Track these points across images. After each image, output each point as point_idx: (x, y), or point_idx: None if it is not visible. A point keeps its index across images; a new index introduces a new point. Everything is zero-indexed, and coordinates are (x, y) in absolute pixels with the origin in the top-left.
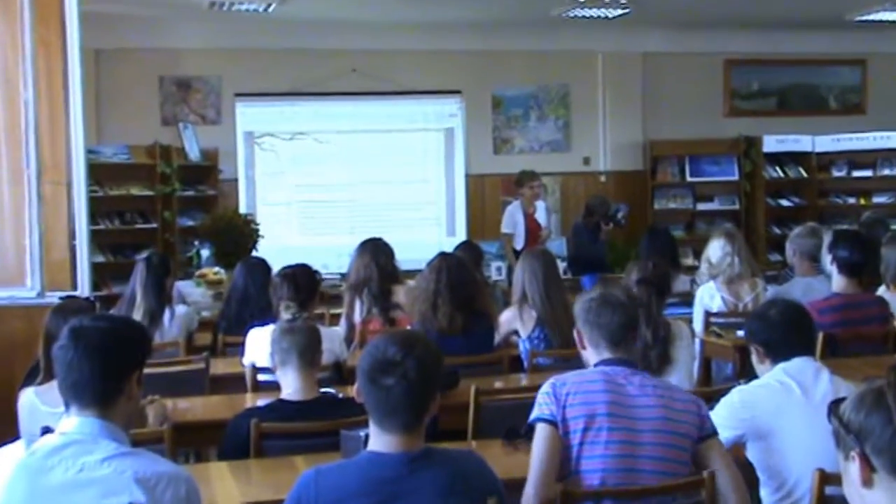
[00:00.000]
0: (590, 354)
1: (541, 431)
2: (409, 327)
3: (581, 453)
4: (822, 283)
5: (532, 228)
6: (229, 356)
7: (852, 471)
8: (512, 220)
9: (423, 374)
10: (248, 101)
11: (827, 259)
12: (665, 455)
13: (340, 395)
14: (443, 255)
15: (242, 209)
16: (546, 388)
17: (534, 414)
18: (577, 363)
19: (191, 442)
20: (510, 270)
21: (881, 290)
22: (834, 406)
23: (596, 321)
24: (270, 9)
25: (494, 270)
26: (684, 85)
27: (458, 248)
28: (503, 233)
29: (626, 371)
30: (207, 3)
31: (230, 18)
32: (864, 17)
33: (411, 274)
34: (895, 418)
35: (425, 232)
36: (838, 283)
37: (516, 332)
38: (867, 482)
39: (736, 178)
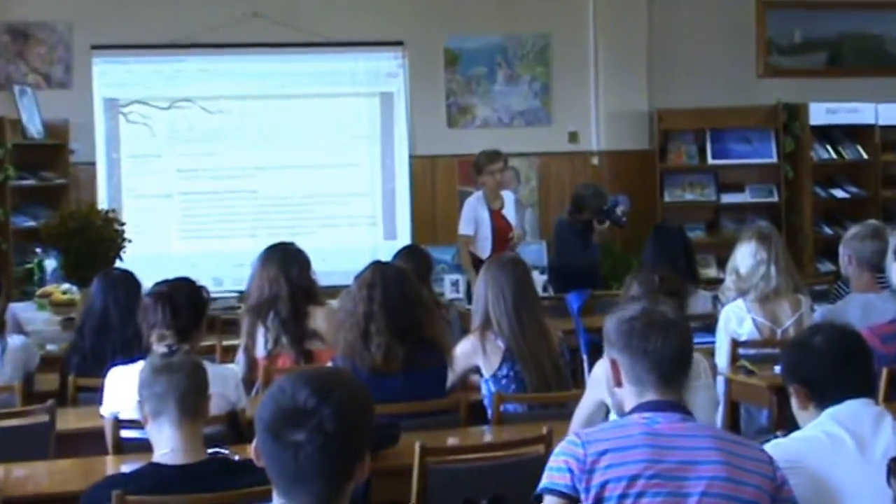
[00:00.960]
0: (626, 394)
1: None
2: (329, 364)
3: None
4: (886, 301)
5: (499, 228)
6: (83, 405)
7: None
8: (471, 217)
9: (345, 427)
10: (109, 55)
11: (893, 269)
12: None
13: (236, 457)
14: (377, 265)
15: (102, 204)
16: (566, 445)
17: (543, 481)
18: (558, 411)
19: None
20: (470, 286)
21: None
22: (894, 464)
23: (641, 349)
24: None
25: (449, 286)
26: (704, 35)
27: (398, 255)
28: (460, 235)
29: (677, 418)
30: None
31: None
32: None
33: (335, 291)
34: None
35: (355, 235)
36: None
37: (477, 370)
38: None
39: (773, 159)
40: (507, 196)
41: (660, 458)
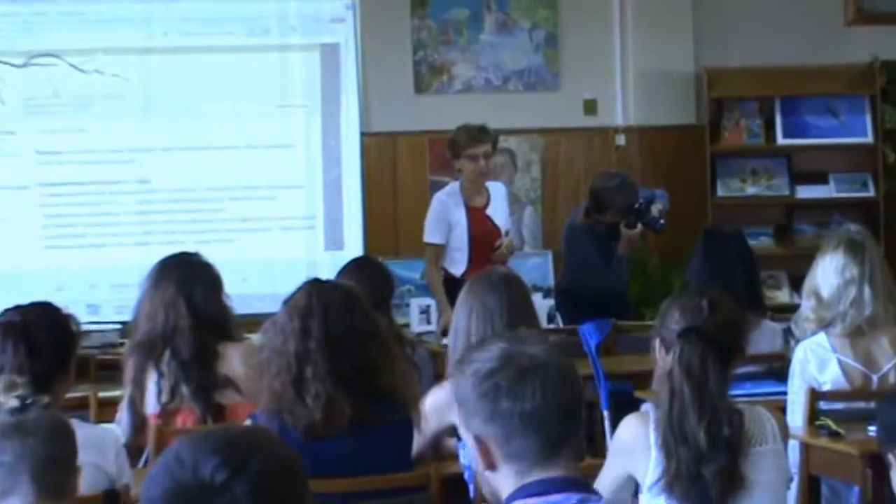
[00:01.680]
0: (502, 479)
1: None
2: (247, 422)
3: None
4: None
5: (481, 234)
6: None
7: None
8: (442, 219)
9: None
10: None
11: None
12: None
13: None
14: (315, 285)
15: None
16: None
17: None
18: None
19: None
20: (444, 334)
21: None
22: None
23: (514, 412)
24: None
25: (416, 314)
26: None
27: (345, 271)
28: (427, 243)
29: (575, 500)
30: None
31: None
32: None
33: (257, 322)
34: None
35: (285, 243)
36: None
37: (455, 430)
38: None
39: (868, 138)
40: (495, 189)
41: None
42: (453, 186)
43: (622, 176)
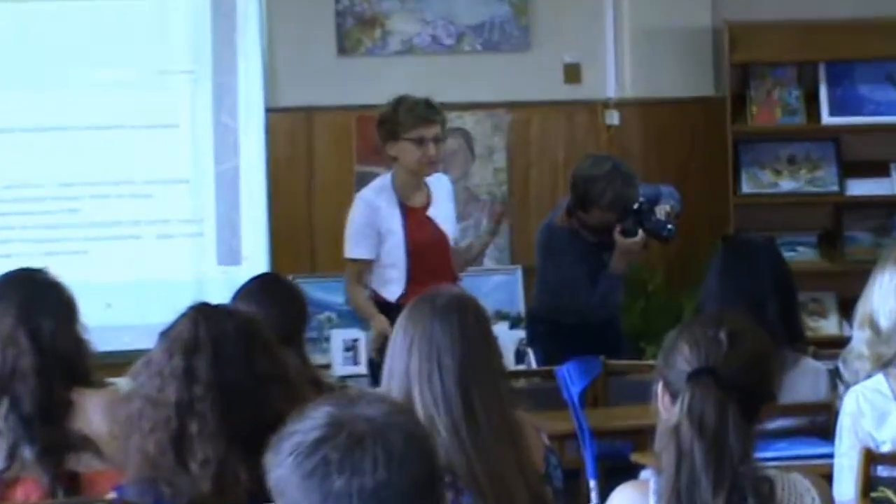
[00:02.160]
0: None
1: None
2: (111, 496)
3: None
4: None
5: (421, 243)
6: None
7: None
8: (369, 224)
9: None
10: None
11: None
12: None
13: None
14: (202, 312)
15: None
16: None
17: None
18: None
19: None
20: (381, 353)
21: None
22: None
23: (345, 490)
24: None
25: (340, 351)
26: None
27: (243, 294)
28: (349, 259)
29: None
30: None
31: None
32: None
33: (126, 361)
34: None
35: (165, 257)
36: None
37: None
38: None
39: None
40: (437, 183)
41: None
42: (383, 181)
43: (614, 160)
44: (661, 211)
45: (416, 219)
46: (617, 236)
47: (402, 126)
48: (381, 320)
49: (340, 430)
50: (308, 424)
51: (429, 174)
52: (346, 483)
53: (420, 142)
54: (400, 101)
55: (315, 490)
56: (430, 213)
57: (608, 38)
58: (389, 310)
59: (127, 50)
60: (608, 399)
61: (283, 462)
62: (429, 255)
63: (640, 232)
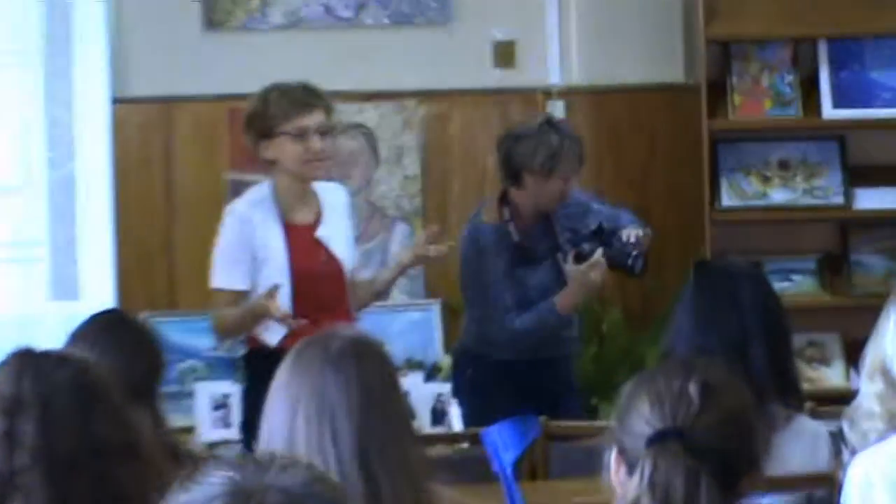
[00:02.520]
0: None
1: None
2: None
3: None
4: None
5: (308, 271)
6: None
7: None
8: (243, 246)
9: None
10: None
11: None
12: None
13: None
14: (28, 360)
15: None
16: None
17: None
18: None
19: None
20: (251, 408)
21: None
22: None
23: None
24: None
25: (207, 411)
26: None
27: (80, 336)
28: (215, 289)
29: None
30: None
31: None
32: None
33: None
34: None
35: None
36: None
37: None
38: None
39: None
40: (329, 195)
41: None
42: (261, 192)
43: (550, 116)
44: (628, 234)
45: (302, 240)
46: (569, 264)
47: (276, 118)
48: (266, 302)
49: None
50: (201, 495)
51: (318, 177)
52: None
53: (301, 135)
54: (269, 90)
55: None
56: (321, 233)
57: (551, 9)
58: (267, 357)
59: None
60: (549, 470)
61: None
62: (318, 286)
63: (600, 254)
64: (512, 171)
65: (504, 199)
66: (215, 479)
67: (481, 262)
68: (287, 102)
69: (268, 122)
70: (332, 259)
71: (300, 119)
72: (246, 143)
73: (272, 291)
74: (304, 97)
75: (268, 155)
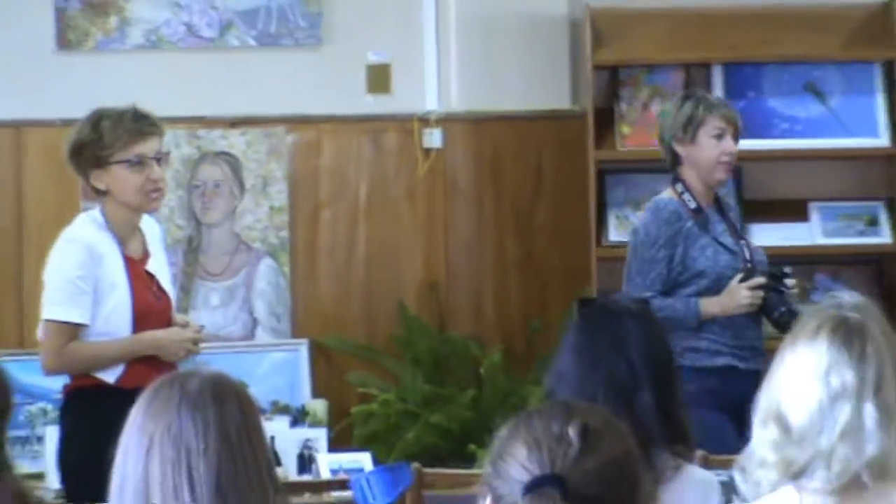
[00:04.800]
0: None
1: None
2: None
3: None
4: None
5: (148, 307)
6: None
7: None
8: (83, 278)
9: None
10: None
11: None
12: None
13: None
14: None
15: None
16: None
17: None
18: None
19: None
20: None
21: None
22: None
23: None
24: None
25: (53, 456)
26: None
27: None
28: (53, 321)
29: None
30: None
31: None
32: None
33: None
34: None
35: None
36: None
37: None
38: None
39: (882, 140)
40: (149, 229)
41: None
42: (94, 219)
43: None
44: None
45: (138, 274)
46: (736, 283)
47: (111, 147)
48: (155, 336)
49: None
50: None
51: (156, 207)
52: None
53: (140, 163)
54: (98, 117)
55: None
56: (149, 267)
57: (428, 31)
58: (106, 397)
59: None
60: None
61: None
62: (154, 323)
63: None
64: (685, 126)
65: (676, 177)
66: None
67: (656, 231)
68: (122, 130)
69: (101, 151)
70: (163, 294)
71: (138, 146)
72: (72, 171)
73: (195, 333)
74: (140, 124)
75: (100, 185)
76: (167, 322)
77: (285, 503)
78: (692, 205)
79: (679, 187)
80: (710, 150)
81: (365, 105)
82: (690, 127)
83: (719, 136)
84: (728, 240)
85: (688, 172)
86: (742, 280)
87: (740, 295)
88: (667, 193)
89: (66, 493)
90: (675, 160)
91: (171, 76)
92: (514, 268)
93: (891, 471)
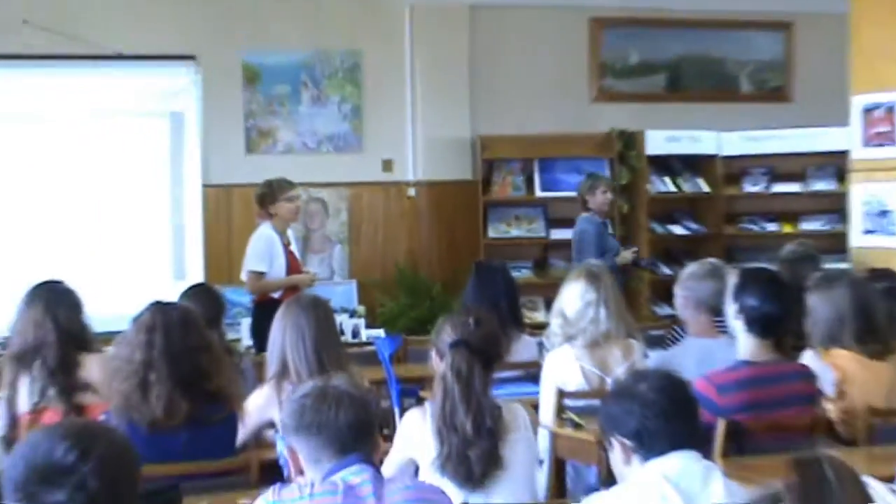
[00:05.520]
0: (309, 476)
1: None
2: (102, 419)
3: None
4: (724, 347)
5: (293, 271)
6: None
7: None
8: (266, 249)
9: (110, 484)
10: None
11: (731, 311)
12: None
13: None
14: (158, 306)
15: None
16: None
17: None
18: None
19: None
20: (263, 330)
21: (807, 356)
22: None
23: (315, 424)
24: None
25: (247, 332)
26: (533, 54)
27: (184, 295)
28: (251, 271)
29: (367, 471)
30: None
31: None
32: None
33: (113, 337)
34: None
35: (140, 274)
36: (747, 345)
37: (272, 424)
38: None
39: None
40: (291, 231)
41: None
42: (269, 228)
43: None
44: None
45: (288, 251)
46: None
47: (277, 193)
48: (307, 279)
49: (316, 391)
50: (302, 389)
51: (295, 221)
52: (312, 419)
53: (289, 201)
54: (270, 181)
55: (296, 423)
56: (292, 248)
57: (409, 145)
58: (273, 304)
59: (114, 147)
60: (408, 359)
61: (285, 409)
62: (294, 272)
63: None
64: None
65: (586, 210)
66: (309, 386)
67: (594, 229)
68: (281, 186)
69: (273, 195)
70: (296, 260)
71: (287, 194)
72: (257, 206)
73: (312, 277)
74: (287, 184)
75: (272, 211)
76: (299, 271)
77: (346, 354)
78: (598, 219)
79: (591, 213)
80: (600, 197)
81: (381, 177)
82: (589, 187)
83: (604, 192)
84: (611, 236)
85: (592, 207)
86: (625, 250)
87: (626, 256)
88: (586, 215)
89: (254, 347)
90: (584, 203)
91: (296, 165)
92: (447, 249)
93: (612, 337)
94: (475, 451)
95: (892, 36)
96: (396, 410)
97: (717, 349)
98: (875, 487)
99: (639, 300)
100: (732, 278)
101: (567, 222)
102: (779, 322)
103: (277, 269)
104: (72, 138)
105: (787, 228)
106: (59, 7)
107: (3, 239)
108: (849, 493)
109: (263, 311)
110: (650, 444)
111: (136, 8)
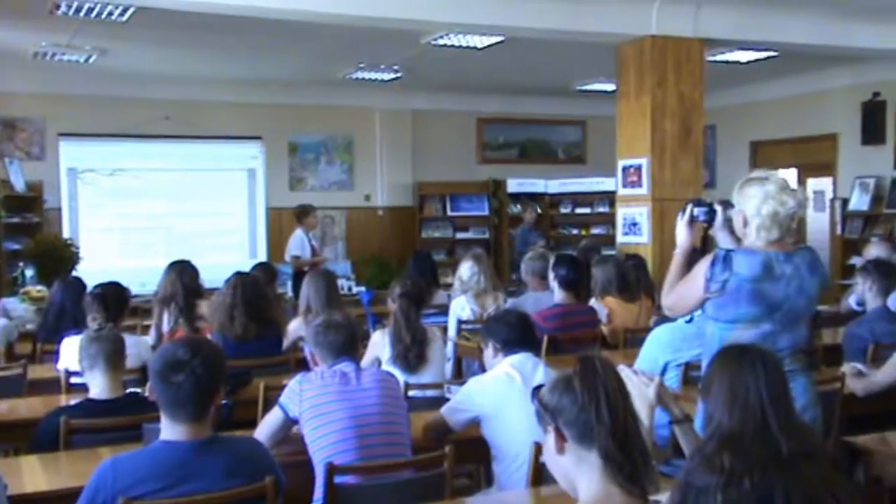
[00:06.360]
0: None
1: (277, 413)
2: (209, 335)
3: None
4: (548, 297)
5: (314, 251)
6: (46, 363)
7: (549, 441)
8: (299, 243)
9: (210, 370)
10: (71, 140)
11: (551, 276)
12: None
13: (145, 394)
14: (239, 274)
15: (66, 235)
16: (294, 384)
17: (282, 399)
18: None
19: (12, 438)
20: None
21: (592, 301)
22: (535, 390)
23: (325, 341)
24: (91, 60)
25: (289, 289)
26: (445, 137)
27: (254, 268)
28: (291, 255)
29: (352, 365)
30: (31, 52)
31: (54, 67)
32: (585, 87)
33: (215, 290)
34: (580, 399)
35: (230, 256)
36: (559, 296)
37: (302, 339)
38: (560, 450)
39: (486, 213)
40: (314, 233)
41: (345, 388)
42: (300, 229)
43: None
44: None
45: (312, 245)
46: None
47: (310, 210)
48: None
49: (325, 321)
50: (318, 321)
51: (316, 228)
52: (323, 333)
53: (314, 216)
54: (302, 205)
55: (314, 339)
56: (314, 243)
57: (379, 185)
58: (302, 274)
59: (216, 187)
60: (379, 302)
61: (311, 328)
62: (315, 256)
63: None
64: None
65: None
66: (320, 318)
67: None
68: (308, 207)
69: (306, 210)
70: (317, 252)
71: (313, 211)
72: (295, 219)
73: (325, 259)
74: (311, 206)
75: (305, 219)
76: (317, 255)
77: (342, 301)
78: (527, 227)
79: (524, 224)
80: (528, 216)
81: (364, 204)
82: (522, 210)
83: (531, 213)
84: (535, 235)
85: (525, 220)
86: (539, 244)
87: (538, 247)
88: (522, 226)
89: (293, 297)
90: (521, 219)
91: (318, 198)
92: (399, 244)
93: (488, 293)
94: (412, 353)
95: (638, 128)
96: (371, 329)
97: (544, 298)
98: (624, 371)
99: (504, 271)
100: (552, 259)
101: (465, 230)
102: (577, 283)
103: (306, 254)
104: (193, 183)
105: (584, 232)
106: (186, 108)
107: (156, 239)
108: (609, 375)
109: (298, 278)
110: (508, 347)
111: (229, 111)
